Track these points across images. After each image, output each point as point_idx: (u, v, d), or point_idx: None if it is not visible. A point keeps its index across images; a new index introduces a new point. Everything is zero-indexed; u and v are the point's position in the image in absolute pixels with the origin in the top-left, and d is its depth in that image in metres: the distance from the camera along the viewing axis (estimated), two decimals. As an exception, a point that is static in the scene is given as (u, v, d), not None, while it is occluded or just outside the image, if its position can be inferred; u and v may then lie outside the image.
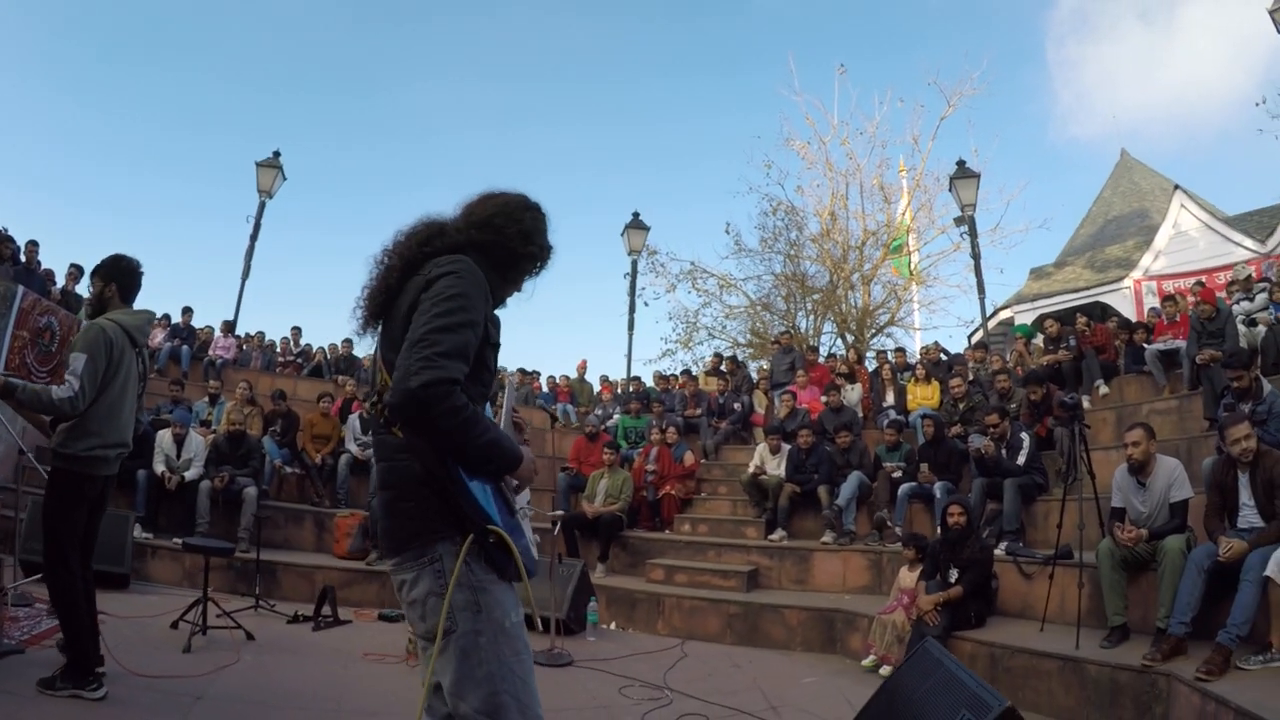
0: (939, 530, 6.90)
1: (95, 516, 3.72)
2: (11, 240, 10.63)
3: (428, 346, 1.63)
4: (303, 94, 54.18)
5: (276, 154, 13.65)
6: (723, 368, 13.01)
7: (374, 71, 54.83)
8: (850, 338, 18.34)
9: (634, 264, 14.74)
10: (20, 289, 8.43)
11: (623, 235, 14.75)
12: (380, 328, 1.91)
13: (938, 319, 38.59)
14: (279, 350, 13.88)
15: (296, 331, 14.14)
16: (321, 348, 13.56)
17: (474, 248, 1.89)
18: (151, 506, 7.70)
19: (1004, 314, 18.79)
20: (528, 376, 14.15)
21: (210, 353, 12.44)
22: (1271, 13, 9.37)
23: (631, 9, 50.02)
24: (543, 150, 52.90)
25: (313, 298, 60.18)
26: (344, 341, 13.11)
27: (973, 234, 12.19)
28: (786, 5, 46.53)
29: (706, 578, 7.54)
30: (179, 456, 7.99)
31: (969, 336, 20.75)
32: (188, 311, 13.06)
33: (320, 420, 9.61)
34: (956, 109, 18.07)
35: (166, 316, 13.03)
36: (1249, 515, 4.49)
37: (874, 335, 18.95)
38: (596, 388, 14.36)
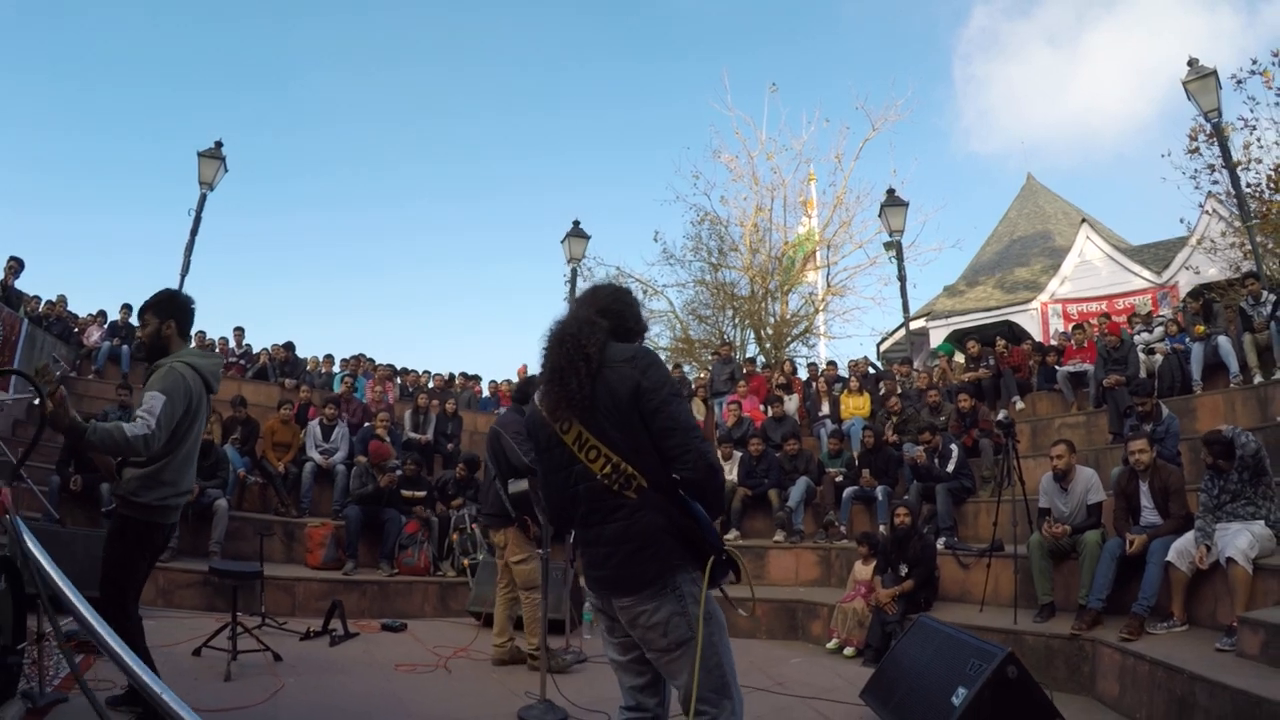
0: (882, 529, 8.08)
1: (152, 562, 3.70)
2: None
3: (689, 432, 2.23)
4: (224, 86, 52.50)
5: (219, 144, 13.39)
6: (668, 376, 13.90)
7: (293, 61, 53.67)
8: (768, 345, 19.67)
9: (574, 271, 15.47)
10: (-38, 289, 8.53)
11: (563, 243, 15.41)
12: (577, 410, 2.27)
13: (851, 328, 40.85)
14: (219, 351, 13.72)
15: (239, 332, 14.04)
16: (265, 349, 13.55)
17: (612, 333, 2.37)
18: (115, 521, 7.59)
19: (914, 324, 20.48)
20: (469, 381, 14.62)
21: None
22: (1185, 83, 10.73)
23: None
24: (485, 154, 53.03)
25: (254, 297, 58.26)
26: (285, 344, 13.24)
27: (900, 258, 13.56)
28: (708, 8, 48.14)
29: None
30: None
31: (878, 345, 22.57)
32: (126, 309, 12.79)
33: (280, 427, 9.68)
34: (880, 131, 19.67)
35: (103, 313, 12.85)
36: (1149, 515, 5.70)
37: (790, 343, 20.37)
38: (537, 392, 14.91)
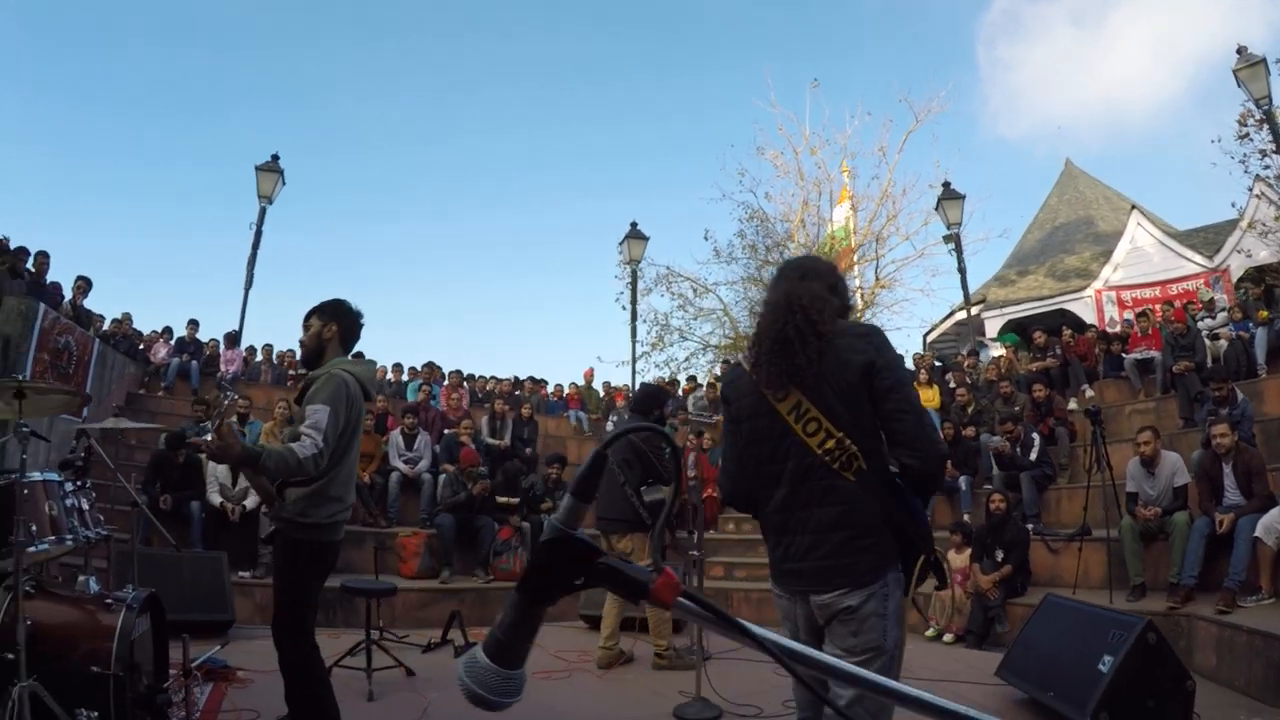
0: (966, 517, 8.68)
1: (323, 582, 3.63)
2: (25, 253, 10.59)
3: (922, 416, 2.20)
4: (294, 104, 53.38)
5: (275, 158, 13.89)
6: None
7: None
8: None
9: (634, 273, 16.01)
10: (41, 307, 8.90)
11: (621, 245, 16.01)
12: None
13: (900, 320, 41.44)
14: (287, 365, 14.19)
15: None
16: (336, 360, 14.09)
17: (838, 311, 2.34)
18: (209, 540, 7.68)
19: (960, 315, 21.06)
20: (537, 385, 15.16)
21: (220, 369, 12.87)
22: (1235, 71, 11.23)
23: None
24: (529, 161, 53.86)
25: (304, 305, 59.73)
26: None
27: (959, 251, 14.15)
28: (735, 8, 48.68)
29: (766, 570, 9.02)
30: (234, 484, 8.00)
31: (924, 336, 23.17)
32: (193, 324, 13.27)
33: (363, 438, 10.26)
34: (923, 123, 20.25)
35: (169, 330, 13.37)
36: (1232, 495, 6.35)
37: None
38: (600, 394, 15.60)
